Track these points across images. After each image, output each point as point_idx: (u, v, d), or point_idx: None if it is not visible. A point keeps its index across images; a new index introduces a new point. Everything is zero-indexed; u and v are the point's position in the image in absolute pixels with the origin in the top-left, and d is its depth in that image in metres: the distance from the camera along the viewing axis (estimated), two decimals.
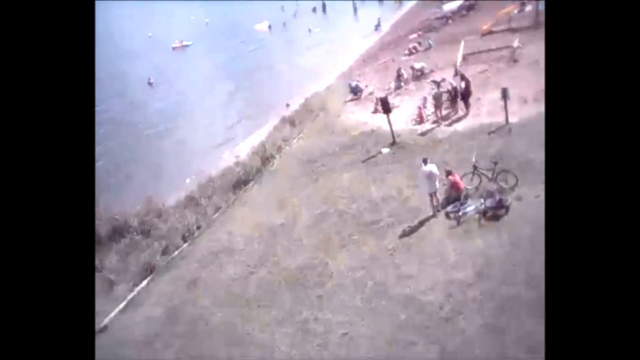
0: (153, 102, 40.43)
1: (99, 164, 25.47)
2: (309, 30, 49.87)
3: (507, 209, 13.55)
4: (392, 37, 38.56)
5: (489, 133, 18.12)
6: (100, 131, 31.96)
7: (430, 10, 42.11)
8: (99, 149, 26.43)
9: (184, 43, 59.50)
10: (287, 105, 31.07)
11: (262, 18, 60.78)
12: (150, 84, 44.97)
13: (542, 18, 27.18)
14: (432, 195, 14.27)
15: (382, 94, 24.90)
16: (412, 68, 26.36)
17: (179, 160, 27.40)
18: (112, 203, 20.57)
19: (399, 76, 26.12)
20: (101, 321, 13.73)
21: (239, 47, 51.00)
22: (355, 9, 54.27)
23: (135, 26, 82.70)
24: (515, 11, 30.53)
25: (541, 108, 18.54)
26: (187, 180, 23.24)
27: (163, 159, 28.32)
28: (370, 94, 26.12)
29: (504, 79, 22.10)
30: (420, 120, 20.99)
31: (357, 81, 27.31)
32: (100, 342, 11.97)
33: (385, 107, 19.63)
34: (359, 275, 12.77)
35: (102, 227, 18.55)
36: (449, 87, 20.90)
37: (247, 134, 28.50)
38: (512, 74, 22.58)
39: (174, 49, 59.05)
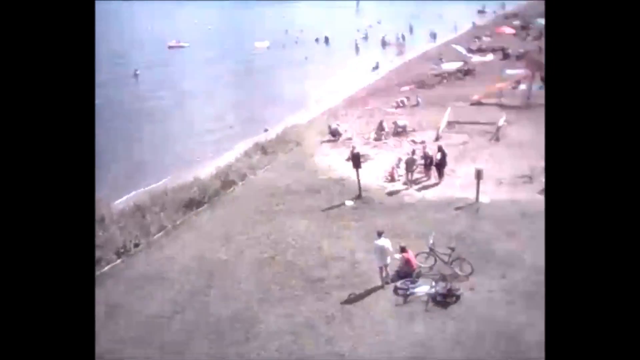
0: (136, 95, 39.45)
1: None
2: (305, 58, 49.54)
3: (457, 297, 12.84)
4: (386, 84, 38.34)
5: (457, 209, 17.53)
6: None
7: (429, 64, 42.26)
8: None
9: (181, 43, 58.91)
10: (266, 130, 30.34)
11: (264, 36, 60.60)
12: (136, 75, 43.91)
13: (534, 100, 27.28)
14: (382, 267, 13.52)
15: (360, 143, 24.46)
16: (395, 124, 25.92)
17: (141, 163, 26.30)
18: None
19: (380, 128, 25.63)
20: None
21: (234, 59, 50.44)
22: (357, 48, 54.30)
23: (137, 22, 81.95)
24: (510, 87, 30.56)
25: (515, 195, 18.20)
26: (140, 190, 22.14)
27: (127, 158, 27.20)
28: (349, 139, 25.52)
29: (483, 155, 21.77)
30: (392, 179, 20.38)
31: (338, 124, 26.73)
32: None
33: (356, 162, 19.11)
34: (287, 341, 11.77)
35: None
36: (424, 155, 20.40)
37: (218, 152, 27.59)
38: (493, 151, 22.23)
39: (170, 47, 58.33)
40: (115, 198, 21.37)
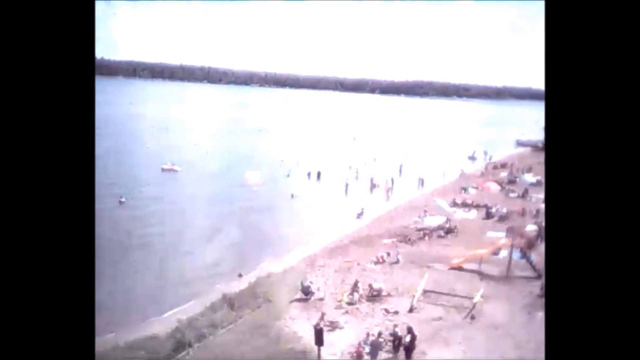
0: (119, 218, 38.97)
1: None
2: (292, 196, 49.98)
3: None
4: (368, 233, 38.11)
5: None
6: None
7: (413, 215, 42.44)
8: None
9: (175, 167, 59.85)
10: (240, 275, 29.42)
11: (261, 163, 61.93)
12: (120, 202, 43.79)
13: (514, 272, 26.78)
14: None
15: (331, 306, 23.43)
16: (370, 286, 25.09)
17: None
18: None
19: (354, 289, 24.74)
20: None
21: (222, 190, 50.77)
22: (347, 188, 55.13)
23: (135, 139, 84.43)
24: (490, 254, 30.18)
25: None
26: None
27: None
28: (320, 299, 24.52)
29: (456, 337, 20.63)
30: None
31: (311, 282, 25.84)
32: None
33: (319, 338, 18.03)
34: None
35: None
36: (393, 334, 19.34)
37: (185, 298, 26.33)
38: (467, 333, 21.11)
39: (163, 170, 59.15)
40: None
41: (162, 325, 22.73)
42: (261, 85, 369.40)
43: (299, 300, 24.81)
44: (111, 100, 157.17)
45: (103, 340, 20.20)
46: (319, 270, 29.43)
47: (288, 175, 60.21)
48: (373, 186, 56.89)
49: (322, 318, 21.72)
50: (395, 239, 35.24)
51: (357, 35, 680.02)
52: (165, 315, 24.09)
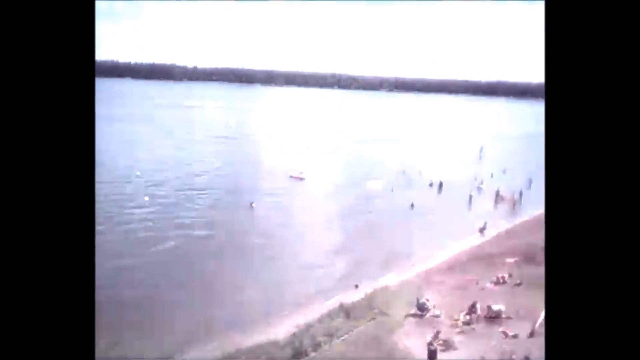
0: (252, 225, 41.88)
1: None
2: (411, 206, 49.63)
3: None
4: (490, 250, 36.71)
5: None
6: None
7: (541, 232, 39.89)
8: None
9: (302, 175, 62.39)
10: (356, 286, 30.15)
11: (383, 172, 62.42)
12: (252, 206, 46.83)
13: None
14: None
15: (447, 324, 23.16)
16: (489, 307, 24.32)
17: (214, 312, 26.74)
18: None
19: (471, 310, 24.17)
20: None
21: (343, 199, 51.80)
22: (470, 200, 53.45)
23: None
24: None
25: None
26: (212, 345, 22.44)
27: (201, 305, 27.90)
28: (436, 317, 24.32)
29: None
30: None
31: (427, 299, 25.67)
32: None
33: (432, 359, 17.95)
34: None
35: None
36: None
37: (303, 303, 27.64)
38: None
39: (291, 177, 62.00)
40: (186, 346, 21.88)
41: (281, 327, 24.18)
42: (389, 90, 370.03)
43: (413, 315, 24.86)
44: (243, 107, 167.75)
45: (226, 342, 22.16)
46: (436, 286, 29.14)
47: (410, 184, 59.92)
48: (499, 199, 54.50)
49: (436, 336, 21.60)
50: (518, 258, 33.58)
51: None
52: (280, 317, 25.55)
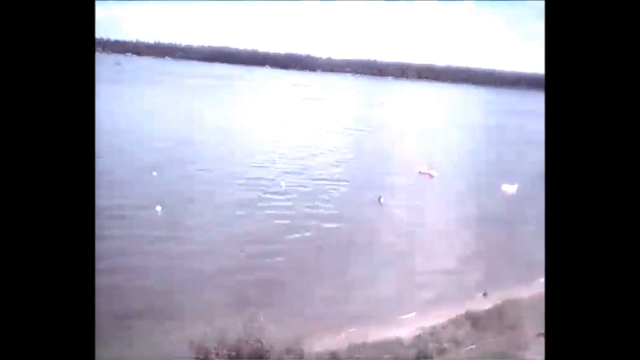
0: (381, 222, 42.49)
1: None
2: None
3: None
4: None
5: None
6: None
7: None
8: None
9: (432, 172, 61.26)
10: (484, 294, 29.21)
11: (516, 177, 59.22)
12: (380, 202, 47.24)
13: None
14: None
15: None
16: None
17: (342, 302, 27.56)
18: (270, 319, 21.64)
19: None
20: None
21: (475, 200, 49.99)
22: None
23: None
24: None
25: None
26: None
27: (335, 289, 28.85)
28: None
29: None
30: None
31: None
32: None
33: None
34: None
35: (247, 345, 19.82)
36: None
37: (428, 307, 27.43)
38: None
39: (420, 173, 61.20)
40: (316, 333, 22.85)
41: (406, 328, 24.31)
42: (527, 88, 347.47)
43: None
44: (375, 100, 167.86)
45: (353, 334, 22.82)
46: None
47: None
48: None
49: None
50: None
51: None
52: (405, 317, 25.66)
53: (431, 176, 60.62)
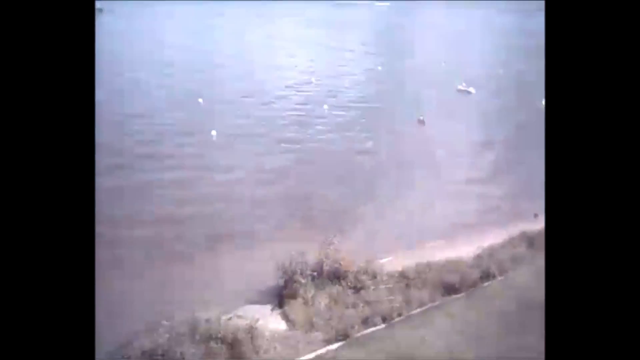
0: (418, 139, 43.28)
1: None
2: None
3: None
4: None
5: None
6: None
7: None
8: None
9: (470, 89, 60.76)
10: (535, 215, 30.20)
11: None
12: (422, 120, 47.64)
13: None
14: None
15: None
16: None
17: (408, 222, 29.01)
18: (343, 243, 23.32)
19: None
20: None
21: (515, 116, 49.81)
22: None
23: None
24: None
25: None
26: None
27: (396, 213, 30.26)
28: None
29: None
30: None
31: None
32: None
33: None
34: None
35: (326, 266, 21.63)
36: None
37: (482, 225, 28.66)
38: None
39: (458, 90, 60.78)
40: (382, 251, 24.51)
41: (466, 247, 25.73)
42: None
43: None
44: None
45: (417, 253, 24.35)
46: None
47: None
48: None
49: None
50: None
51: None
52: (464, 237, 27.04)
53: (469, 92, 60.23)
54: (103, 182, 29.39)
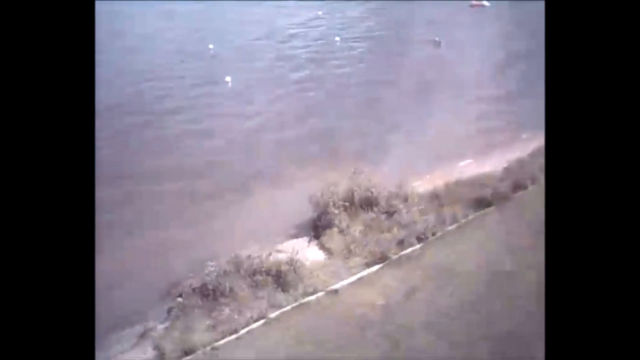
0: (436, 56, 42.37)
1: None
2: None
3: None
4: None
5: None
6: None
7: None
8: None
9: (483, 2, 58.55)
10: None
11: None
12: (437, 42, 46.45)
13: None
14: None
15: None
16: None
17: (434, 143, 28.92)
18: (372, 172, 23.51)
19: None
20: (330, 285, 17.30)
21: (528, 26, 47.96)
22: None
23: None
24: None
25: None
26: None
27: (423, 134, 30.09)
28: None
29: None
30: None
31: None
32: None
33: None
34: None
35: (357, 195, 21.95)
36: None
37: (509, 140, 28.48)
38: None
39: (471, 6, 58.63)
40: (414, 176, 24.66)
41: (492, 160, 25.78)
42: None
43: None
44: None
45: (450, 174, 24.43)
46: None
47: None
48: None
49: None
50: None
51: None
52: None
53: (484, 5, 58.16)
54: (123, 139, 30.11)
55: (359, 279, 17.83)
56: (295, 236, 21.21)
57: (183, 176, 26.61)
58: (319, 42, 50.39)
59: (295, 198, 22.47)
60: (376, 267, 18.36)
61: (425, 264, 18.40)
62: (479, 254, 18.54)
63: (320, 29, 55.31)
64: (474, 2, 58.92)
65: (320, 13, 61.19)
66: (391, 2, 64.55)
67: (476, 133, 29.86)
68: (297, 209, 22.01)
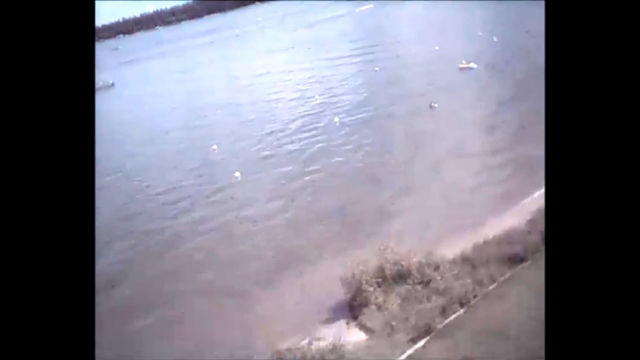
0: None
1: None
2: None
3: None
4: None
5: None
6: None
7: None
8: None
9: (471, 65, 60.51)
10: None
11: None
12: (432, 107, 47.71)
13: None
14: None
15: None
16: None
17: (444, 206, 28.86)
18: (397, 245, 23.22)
19: None
20: None
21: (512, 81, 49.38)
22: None
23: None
24: None
25: None
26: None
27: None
28: None
29: None
30: None
31: None
32: None
33: None
34: None
35: (388, 269, 21.54)
36: None
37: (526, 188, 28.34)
38: None
39: (460, 68, 60.62)
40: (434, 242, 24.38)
41: (513, 217, 25.46)
42: None
43: None
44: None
45: (478, 235, 24.06)
46: None
47: None
48: None
49: None
50: None
51: None
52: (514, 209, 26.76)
53: (471, 68, 60.07)
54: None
55: (409, 357, 17.09)
56: (332, 320, 20.62)
57: (200, 270, 26.49)
58: (319, 124, 51.52)
59: (322, 281, 22.15)
60: (422, 341, 17.68)
61: (473, 329, 17.72)
62: (527, 310, 17.84)
63: (317, 110, 56.83)
64: (462, 65, 61.07)
65: (317, 97, 63.02)
66: (385, 74, 67.11)
67: (487, 186, 29.92)
68: (327, 292, 21.60)
